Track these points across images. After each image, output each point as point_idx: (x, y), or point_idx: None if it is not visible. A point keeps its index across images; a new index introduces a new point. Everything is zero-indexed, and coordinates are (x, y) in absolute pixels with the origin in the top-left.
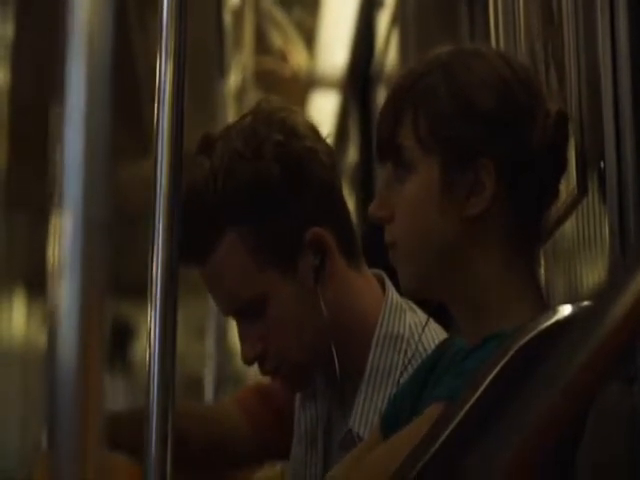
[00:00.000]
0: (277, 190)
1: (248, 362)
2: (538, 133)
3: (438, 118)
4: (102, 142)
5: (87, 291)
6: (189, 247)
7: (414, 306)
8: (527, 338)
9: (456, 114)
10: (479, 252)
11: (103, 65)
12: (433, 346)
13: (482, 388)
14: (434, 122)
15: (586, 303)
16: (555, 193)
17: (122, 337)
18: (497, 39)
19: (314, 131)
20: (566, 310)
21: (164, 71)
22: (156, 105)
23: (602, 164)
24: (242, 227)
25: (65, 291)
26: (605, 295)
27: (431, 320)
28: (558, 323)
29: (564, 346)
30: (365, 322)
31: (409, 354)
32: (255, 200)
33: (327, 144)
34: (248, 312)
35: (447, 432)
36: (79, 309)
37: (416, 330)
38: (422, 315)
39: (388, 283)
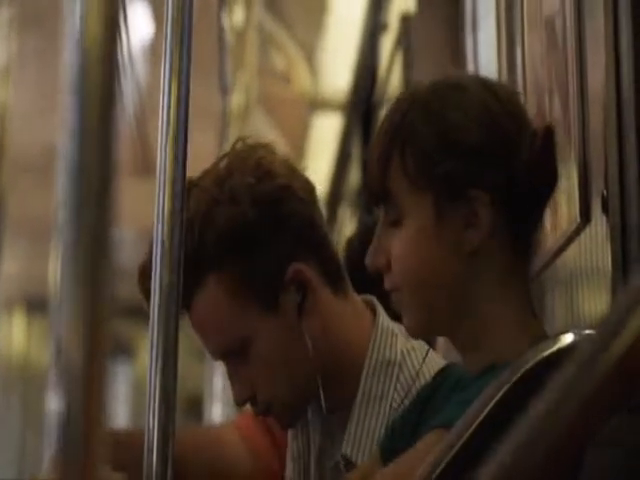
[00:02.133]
0: (254, 233)
1: (239, 404)
2: (526, 155)
3: (424, 156)
4: (105, 159)
5: (90, 310)
6: None
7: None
8: (528, 366)
9: (441, 150)
10: (479, 283)
11: (109, 81)
12: (429, 372)
13: (482, 416)
14: (422, 161)
15: (588, 331)
16: (541, 217)
17: (122, 357)
18: (501, 65)
19: (291, 168)
20: (567, 338)
21: (167, 91)
22: (159, 125)
23: (605, 192)
24: (221, 272)
25: (67, 309)
26: (608, 325)
27: (424, 344)
28: (559, 351)
29: (565, 377)
30: (355, 350)
31: (402, 380)
32: (233, 244)
33: (305, 179)
34: (234, 355)
35: (446, 460)
36: (82, 329)
37: (408, 355)
38: (414, 340)
39: (379, 308)
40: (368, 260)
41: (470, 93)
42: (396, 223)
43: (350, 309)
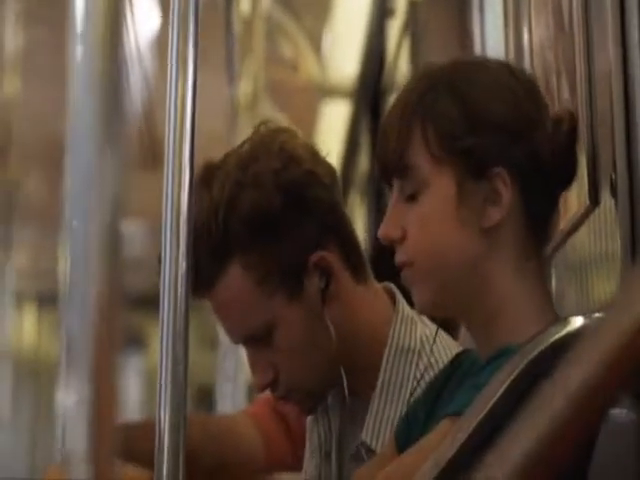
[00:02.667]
0: (279, 218)
1: (260, 389)
2: (549, 138)
3: (448, 132)
4: (114, 155)
5: (99, 303)
6: (195, 279)
7: (424, 318)
8: (538, 350)
9: (466, 127)
10: (495, 262)
11: (114, 73)
12: (445, 358)
13: (493, 402)
14: (445, 137)
15: (597, 314)
16: (558, 199)
17: (133, 347)
18: (508, 49)
19: (313, 153)
20: (577, 321)
21: (174, 82)
22: (167, 116)
23: (613, 175)
24: (246, 257)
25: (77, 305)
26: (617, 305)
27: (442, 332)
28: (569, 335)
29: (575, 358)
30: (375, 337)
31: (421, 367)
32: (258, 230)
33: (327, 164)
34: (257, 340)
35: (456, 447)
36: (91, 324)
37: (427, 342)
38: (432, 327)
39: (398, 296)
40: (381, 231)
41: (493, 72)
42: (413, 197)
43: (371, 296)
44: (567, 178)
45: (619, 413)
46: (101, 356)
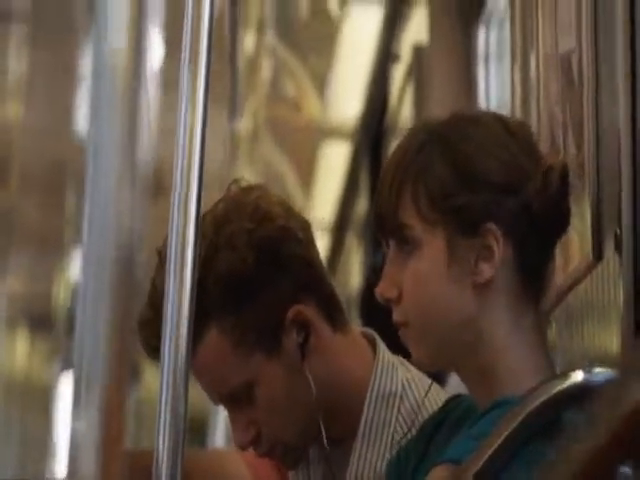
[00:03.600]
0: (253, 277)
1: (242, 448)
2: (541, 190)
3: (439, 193)
4: (128, 175)
5: (111, 331)
6: None
7: (406, 362)
8: (538, 402)
9: (457, 186)
10: (489, 317)
11: (135, 104)
12: (428, 403)
13: (492, 451)
14: (435, 197)
15: (598, 370)
16: (552, 254)
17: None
18: (514, 99)
19: (286, 208)
20: (578, 376)
21: (184, 115)
22: (175, 149)
23: (618, 231)
24: (222, 321)
25: (89, 332)
26: (632, 368)
27: (425, 376)
28: (570, 388)
29: (584, 426)
30: (356, 385)
31: (402, 411)
32: (233, 292)
33: (301, 218)
34: (237, 399)
35: None
36: (103, 351)
37: (409, 386)
38: (415, 371)
39: (379, 341)
40: (378, 291)
41: (487, 128)
42: (408, 256)
43: (351, 345)
44: (560, 227)
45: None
46: (112, 384)
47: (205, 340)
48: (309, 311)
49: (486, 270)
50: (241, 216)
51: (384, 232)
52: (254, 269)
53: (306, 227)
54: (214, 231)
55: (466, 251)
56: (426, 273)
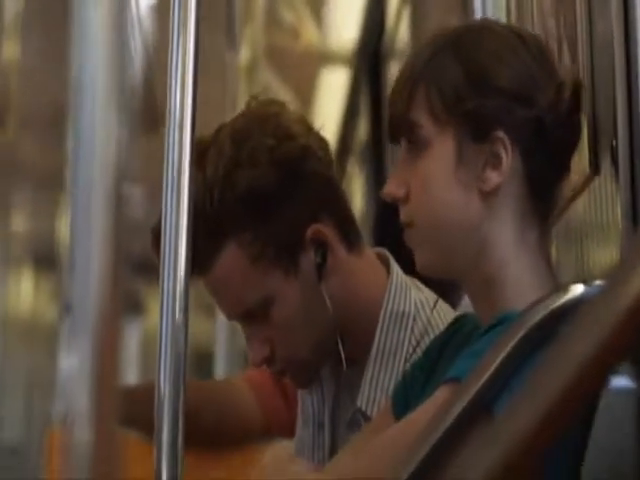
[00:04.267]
0: (274, 195)
1: (257, 365)
2: (553, 104)
3: (452, 94)
4: (118, 115)
5: (102, 266)
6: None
7: (419, 284)
8: (539, 317)
9: (470, 89)
10: (494, 226)
11: (120, 35)
12: (441, 323)
13: (492, 368)
14: (448, 98)
15: (598, 282)
16: (568, 166)
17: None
18: (509, 15)
19: (307, 126)
20: (577, 289)
21: (176, 46)
22: (168, 80)
23: (614, 142)
24: (242, 236)
25: (79, 266)
26: (617, 275)
27: (439, 298)
28: (569, 302)
29: (577, 327)
30: (370, 305)
31: (416, 331)
32: (253, 208)
33: (320, 137)
34: (253, 316)
35: (455, 415)
36: (93, 285)
37: (422, 307)
38: (428, 293)
39: (392, 262)
40: (386, 189)
41: (499, 36)
42: (417, 156)
43: (365, 265)
44: (570, 145)
45: (619, 380)
46: (104, 319)
47: (224, 254)
48: (327, 230)
49: (493, 178)
50: (263, 132)
51: (396, 132)
52: (275, 186)
53: (325, 146)
54: (234, 146)
55: (474, 156)
56: (434, 173)
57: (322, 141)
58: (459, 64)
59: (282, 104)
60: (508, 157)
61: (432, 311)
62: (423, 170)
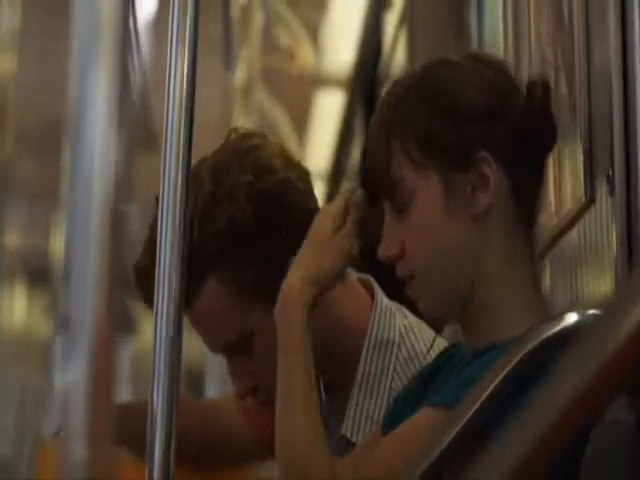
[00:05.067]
0: (254, 230)
1: (241, 396)
2: (526, 107)
3: (426, 135)
4: (117, 131)
5: (98, 282)
6: None
7: (404, 310)
8: (532, 345)
9: (442, 123)
10: (489, 249)
11: (120, 51)
12: (426, 350)
13: (485, 395)
14: (423, 141)
15: (592, 312)
16: (545, 166)
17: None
18: (506, 42)
19: (286, 158)
20: (571, 318)
21: (174, 65)
22: (165, 100)
23: (611, 172)
24: (223, 272)
25: (75, 283)
26: (615, 307)
27: (423, 324)
28: (563, 331)
29: (574, 355)
30: (354, 331)
31: (400, 358)
32: (233, 244)
33: (301, 167)
34: (236, 350)
35: (447, 440)
36: (90, 302)
37: (406, 334)
38: (413, 319)
39: (376, 288)
40: (381, 253)
41: (458, 65)
42: (403, 210)
43: (349, 293)
44: (549, 140)
45: (614, 411)
46: (99, 335)
47: (204, 290)
48: None
49: (483, 199)
50: (242, 167)
51: (378, 194)
52: (254, 222)
53: (305, 177)
54: (214, 181)
55: (462, 185)
56: (426, 220)
57: (303, 172)
58: (426, 104)
59: (262, 136)
60: (494, 174)
61: (417, 338)
62: (415, 221)
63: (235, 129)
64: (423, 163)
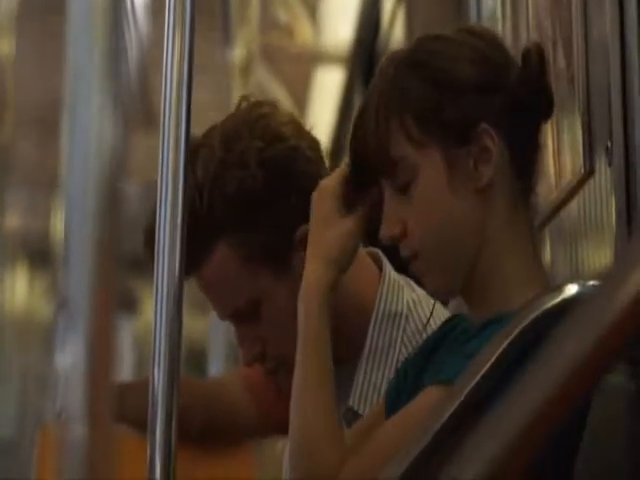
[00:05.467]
0: (264, 196)
1: (248, 363)
2: (522, 75)
3: (425, 111)
4: (113, 113)
5: (96, 263)
6: None
7: (412, 283)
8: (531, 318)
9: (439, 99)
10: (491, 221)
11: (113, 32)
12: (435, 323)
13: (485, 369)
14: (422, 119)
15: (592, 282)
16: (541, 135)
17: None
18: (504, 16)
19: (296, 126)
20: (571, 289)
21: (171, 44)
22: (163, 79)
23: (609, 143)
24: (231, 236)
25: (74, 264)
26: (613, 275)
27: (430, 298)
28: (563, 302)
29: (572, 326)
30: (362, 304)
31: (408, 331)
32: (243, 209)
33: (310, 137)
34: (244, 316)
35: (447, 415)
36: (88, 283)
37: (414, 307)
38: (421, 292)
39: (384, 261)
40: (383, 233)
41: (450, 39)
42: (405, 189)
43: (357, 265)
44: (546, 107)
45: (613, 379)
46: (98, 316)
47: (214, 255)
48: None
49: (486, 172)
50: (252, 134)
51: (376, 175)
52: (264, 188)
53: (315, 146)
54: (224, 147)
55: (464, 159)
56: (429, 196)
57: (313, 141)
58: (421, 80)
59: (273, 105)
60: (496, 146)
61: (425, 311)
62: (418, 200)
63: (245, 97)
64: (424, 140)
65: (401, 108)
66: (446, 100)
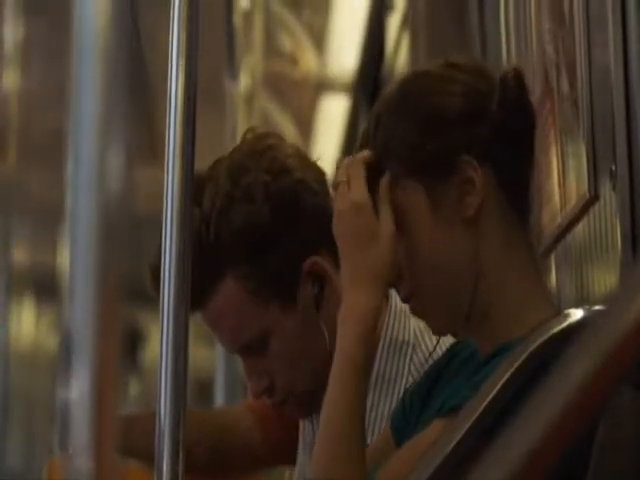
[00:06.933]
0: (270, 230)
1: (256, 396)
2: (501, 99)
3: (404, 149)
4: (117, 145)
5: (101, 296)
6: None
7: None
8: (538, 343)
9: (420, 136)
10: (484, 250)
11: (117, 65)
12: (441, 351)
13: (492, 396)
14: (402, 156)
15: (597, 307)
16: (532, 152)
17: (133, 341)
18: (508, 43)
19: (302, 158)
20: (577, 314)
21: (175, 74)
22: (167, 108)
23: (614, 167)
24: (239, 270)
25: (78, 297)
26: (619, 298)
27: None
28: (569, 327)
29: (577, 349)
30: None
31: (415, 360)
32: (249, 243)
33: (316, 168)
34: (252, 348)
35: (452, 445)
36: (92, 316)
37: (421, 335)
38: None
39: (391, 290)
40: None
41: (434, 73)
42: (399, 229)
43: None
44: (528, 129)
45: (619, 403)
46: (103, 349)
47: (221, 289)
48: (325, 262)
49: (472, 202)
50: (258, 167)
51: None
52: (270, 221)
53: (321, 178)
54: (230, 181)
55: (447, 192)
56: (416, 235)
57: (318, 173)
58: (403, 121)
59: (278, 136)
60: (479, 175)
61: (432, 340)
62: (409, 238)
63: (251, 129)
64: (407, 182)
65: (384, 153)
66: (427, 137)
